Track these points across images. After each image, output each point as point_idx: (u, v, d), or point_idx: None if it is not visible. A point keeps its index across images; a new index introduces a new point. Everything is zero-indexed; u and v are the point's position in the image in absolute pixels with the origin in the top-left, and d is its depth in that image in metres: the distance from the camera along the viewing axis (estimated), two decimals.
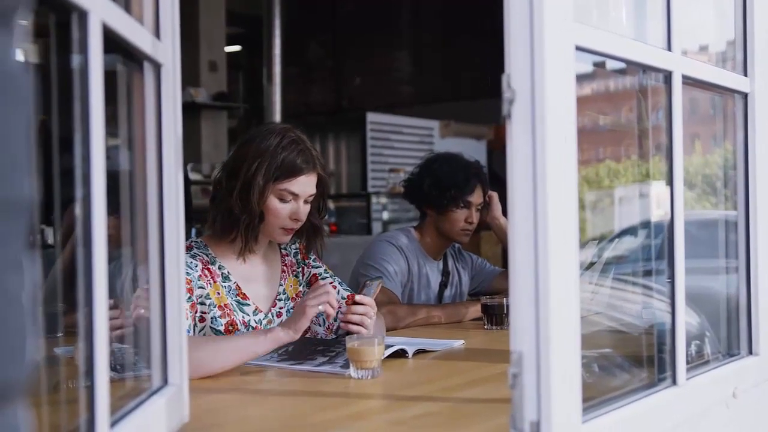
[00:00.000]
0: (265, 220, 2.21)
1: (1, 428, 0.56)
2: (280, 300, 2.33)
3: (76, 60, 1.00)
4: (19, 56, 0.60)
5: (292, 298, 2.36)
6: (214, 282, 2.19)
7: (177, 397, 1.37)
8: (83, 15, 0.98)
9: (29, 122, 0.58)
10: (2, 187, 0.55)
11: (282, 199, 2.19)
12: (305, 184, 2.21)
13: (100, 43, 1.01)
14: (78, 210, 1.00)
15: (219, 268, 2.23)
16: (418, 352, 2.17)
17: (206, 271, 2.18)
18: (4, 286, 0.54)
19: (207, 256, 2.22)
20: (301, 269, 2.41)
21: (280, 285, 2.35)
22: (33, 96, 0.60)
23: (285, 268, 2.38)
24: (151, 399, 1.28)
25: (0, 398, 0.55)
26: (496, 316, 2.63)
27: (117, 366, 1.30)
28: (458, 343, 2.34)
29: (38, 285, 0.62)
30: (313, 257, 2.44)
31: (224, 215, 2.20)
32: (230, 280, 2.23)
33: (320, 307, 1.98)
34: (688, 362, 1.53)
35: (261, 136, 2.20)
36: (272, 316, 2.29)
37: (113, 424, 1.07)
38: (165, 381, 1.35)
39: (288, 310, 2.32)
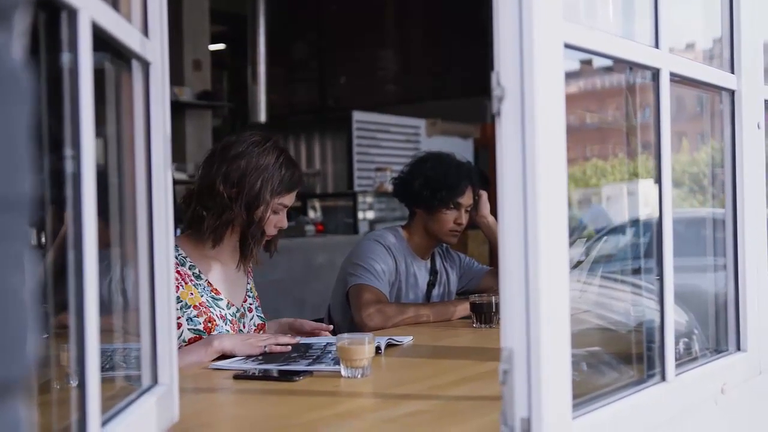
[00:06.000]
0: None
1: (4, 423, 0.56)
2: (249, 297, 2.43)
3: (65, 58, 0.99)
4: (19, 54, 0.59)
5: (256, 297, 2.47)
6: (186, 283, 2.22)
7: (167, 397, 1.36)
8: (73, 13, 0.97)
9: (29, 120, 0.59)
10: (6, 184, 0.55)
11: (276, 212, 2.30)
12: (294, 196, 2.35)
13: (89, 42, 1.00)
14: (68, 210, 0.99)
15: (189, 268, 2.27)
16: (388, 346, 2.21)
17: (176, 274, 2.20)
18: (7, 283, 0.54)
19: (176, 257, 2.24)
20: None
21: (248, 283, 2.45)
22: (32, 94, 0.60)
23: (249, 268, 2.47)
24: (141, 398, 1.27)
25: (3, 394, 0.55)
26: (485, 315, 2.63)
27: (105, 365, 1.30)
28: (407, 339, 2.37)
29: (39, 281, 0.62)
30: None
31: (222, 225, 2.25)
32: (202, 279, 2.28)
33: (266, 348, 2.11)
34: (676, 359, 1.53)
35: (254, 150, 2.26)
36: (244, 310, 2.38)
37: (104, 423, 1.07)
38: (155, 380, 1.35)
39: (257, 307, 2.44)
